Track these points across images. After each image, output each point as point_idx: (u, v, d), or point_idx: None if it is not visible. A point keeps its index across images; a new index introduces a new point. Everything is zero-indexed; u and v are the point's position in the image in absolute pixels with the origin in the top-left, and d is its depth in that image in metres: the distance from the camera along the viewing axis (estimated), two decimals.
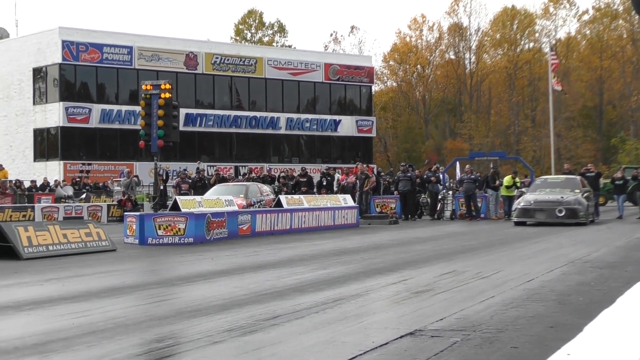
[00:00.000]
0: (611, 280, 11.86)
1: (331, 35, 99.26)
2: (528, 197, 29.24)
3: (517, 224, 28.31)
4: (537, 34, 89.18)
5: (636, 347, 1.70)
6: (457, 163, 47.26)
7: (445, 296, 10.45)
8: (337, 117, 65.50)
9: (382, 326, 8.33)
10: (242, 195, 28.79)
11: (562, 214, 27.37)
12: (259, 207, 28.71)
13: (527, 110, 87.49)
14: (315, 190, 37.50)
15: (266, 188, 33.18)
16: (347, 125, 65.85)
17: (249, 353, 7.02)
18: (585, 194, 29.11)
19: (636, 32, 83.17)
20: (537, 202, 28.35)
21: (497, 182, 34.31)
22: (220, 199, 26.61)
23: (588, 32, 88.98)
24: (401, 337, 7.41)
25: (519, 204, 29.28)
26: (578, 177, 32.03)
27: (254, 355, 6.95)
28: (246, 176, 44.51)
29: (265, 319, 8.64)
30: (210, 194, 29.81)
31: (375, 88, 76.32)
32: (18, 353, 6.96)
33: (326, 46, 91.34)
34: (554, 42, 68.53)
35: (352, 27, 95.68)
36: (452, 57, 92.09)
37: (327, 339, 7.54)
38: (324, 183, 38.51)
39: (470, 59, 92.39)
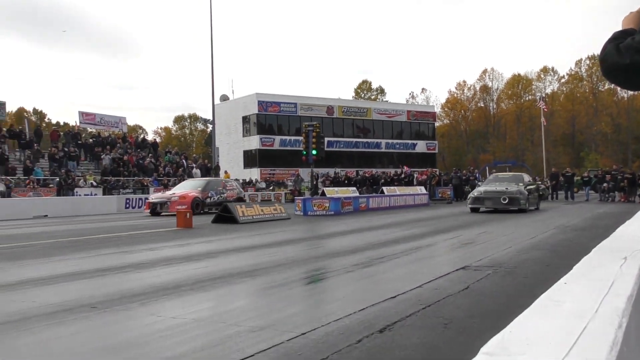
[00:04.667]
0: (583, 238, 11.35)
1: (410, 94, 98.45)
2: (480, 189, 23.03)
3: (472, 210, 21.85)
4: (533, 90, 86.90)
5: (608, 279, 1.66)
6: (487, 167, 46.32)
7: (482, 246, 10.21)
8: (415, 142, 64.86)
9: (445, 264, 8.22)
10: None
11: (506, 201, 21.17)
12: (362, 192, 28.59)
13: (528, 136, 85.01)
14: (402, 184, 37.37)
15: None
16: (421, 146, 65.16)
17: (367, 278, 7.04)
18: (529, 187, 22.56)
19: (595, 88, 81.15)
20: (486, 192, 21.92)
21: None
22: (349, 189, 26.75)
23: (564, 89, 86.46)
24: (456, 270, 7.28)
25: (473, 194, 22.66)
26: (524, 174, 25.05)
27: (370, 279, 6.96)
28: (360, 176, 44.52)
29: (376, 258, 8.62)
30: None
31: (436, 124, 75.22)
32: (238, 275, 7.14)
33: (407, 100, 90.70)
34: (544, 95, 66.90)
35: (423, 89, 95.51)
36: (482, 105, 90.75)
37: (412, 271, 7.49)
38: (407, 180, 38.31)
39: (492, 106, 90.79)
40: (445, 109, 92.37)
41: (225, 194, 24.46)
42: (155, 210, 22.83)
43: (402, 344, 3.92)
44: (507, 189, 21.60)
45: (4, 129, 36.84)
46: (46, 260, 8.99)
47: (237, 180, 34.94)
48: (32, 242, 12.14)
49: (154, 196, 24.65)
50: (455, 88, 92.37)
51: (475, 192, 22.54)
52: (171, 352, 3.79)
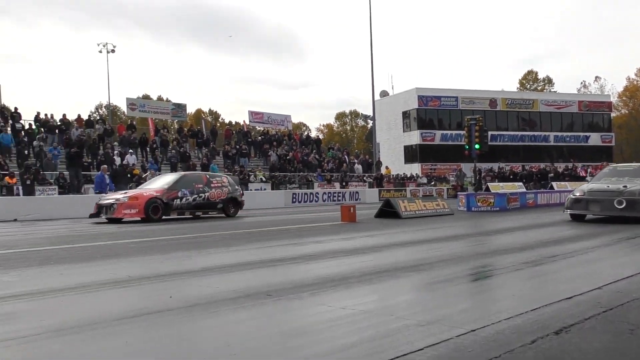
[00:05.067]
0: None
1: (581, 83, 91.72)
2: (583, 187, 15.53)
3: (573, 217, 15.12)
4: None
5: None
6: None
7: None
8: (587, 134, 60.57)
9: (627, 265, 7.48)
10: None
11: (622, 205, 13.84)
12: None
13: None
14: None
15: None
16: (594, 139, 60.71)
17: (538, 277, 6.70)
18: None
19: None
20: (592, 192, 14.66)
21: None
22: (515, 184, 25.61)
23: None
24: (626, 278, 6.70)
25: (574, 194, 15.35)
26: None
27: (541, 278, 6.61)
28: (527, 171, 42.48)
29: (547, 257, 8.15)
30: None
31: (613, 114, 69.37)
32: (402, 269, 7.12)
33: (578, 90, 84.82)
34: None
35: (596, 77, 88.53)
36: None
37: (589, 271, 6.99)
38: (580, 175, 35.90)
39: None
40: (623, 98, 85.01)
41: (207, 193, 19.35)
42: (100, 214, 17.83)
43: (581, 348, 3.70)
44: (625, 187, 14.32)
45: (186, 129, 40.39)
46: (226, 249, 9.72)
47: (234, 174, 30.39)
48: (213, 232, 13.20)
49: (106, 197, 18.81)
50: (635, 75, 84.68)
51: (576, 192, 15.36)
52: (342, 340, 3.93)
